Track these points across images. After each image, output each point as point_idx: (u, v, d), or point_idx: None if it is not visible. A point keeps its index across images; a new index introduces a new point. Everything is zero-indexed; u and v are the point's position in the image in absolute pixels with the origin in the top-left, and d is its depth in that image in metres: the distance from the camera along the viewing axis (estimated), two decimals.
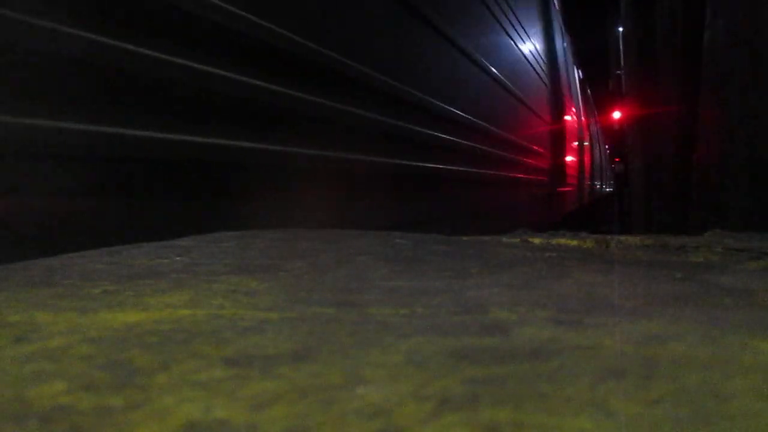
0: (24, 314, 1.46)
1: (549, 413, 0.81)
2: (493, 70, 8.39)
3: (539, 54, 12.00)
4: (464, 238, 3.20)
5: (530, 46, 11.05)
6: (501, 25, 8.96)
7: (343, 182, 4.32)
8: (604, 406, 0.83)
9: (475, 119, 7.02)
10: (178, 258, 2.30)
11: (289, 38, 3.56)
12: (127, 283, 1.83)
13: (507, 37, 9.27)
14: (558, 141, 13.77)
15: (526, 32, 10.44)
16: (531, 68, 11.09)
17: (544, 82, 12.24)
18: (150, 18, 2.47)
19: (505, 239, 3.06)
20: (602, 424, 0.78)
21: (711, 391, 0.87)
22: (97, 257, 2.41)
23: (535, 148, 11.24)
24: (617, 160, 16.57)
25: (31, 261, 2.45)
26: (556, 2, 13.97)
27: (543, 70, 12.35)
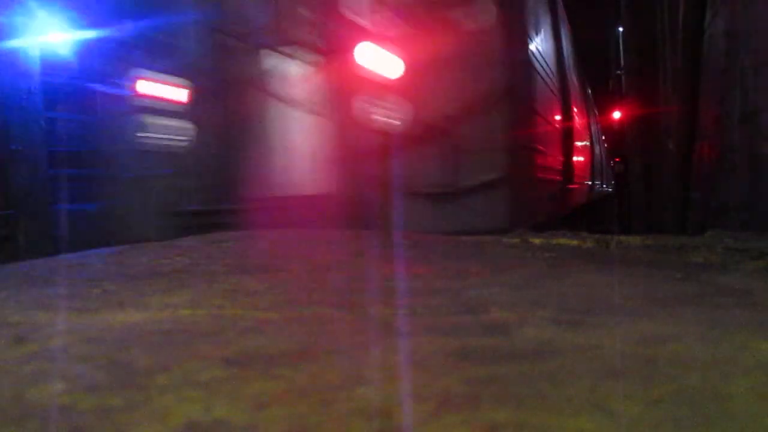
0: (24, 314, 1.46)
1: (549, 413, 0.81)
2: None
3: (582, 85, 14.56)
4: (464, 238, 3.20)
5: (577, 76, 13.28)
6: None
7: None
8: (604, 406, 0.83)
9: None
10: (178, 258, 2.30)
11: None
12: (128, 283, 1.83)
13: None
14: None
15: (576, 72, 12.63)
16: (587, 108, 14.08)
17: (587, 114, 14.92)
18: None
19: (505, 239, 3.05)
20: (602, 424, 0.78)
21: (711, 391, 0.87)
22: (97, 257, 2.41)
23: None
24: (617, 160, 16.77)
25: (32, 261, 2.45)
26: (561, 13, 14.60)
27: (586, 105, 15.16)
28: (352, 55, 3.21)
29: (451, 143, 3.39)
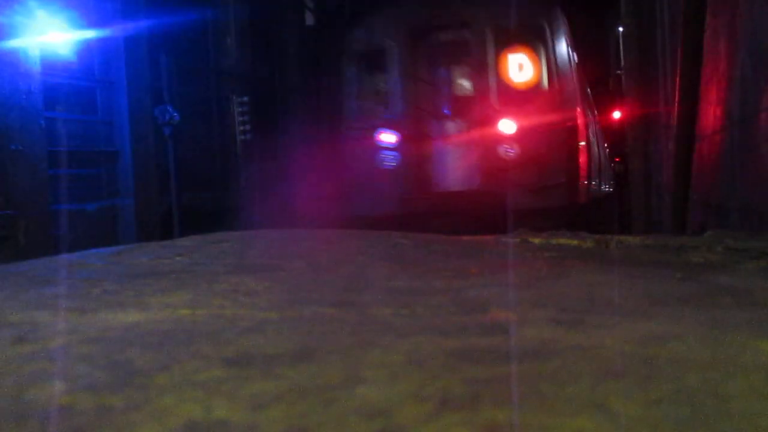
0: (24, 314, 1.46)
1: (549, 413, 0.81)
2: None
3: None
4: (464, 238, 3.20)
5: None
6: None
7: None
8: (604, 407, 0.83)
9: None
10: (178, 258, 2.30)
11: None
12: (128, 283, 1.83)
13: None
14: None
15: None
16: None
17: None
18: None
19: (505, 239, 3.06)
20: (602, 424, 0.78)
21: (711, 391, 0.87)
22: (97, 257, 2.41)
23: None
24: (617, 160, 16.49)
25: (32, 261, 2.45)
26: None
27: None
28: (496, 125, 7.29)
29: (538, 164, 7.16)
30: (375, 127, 7.52)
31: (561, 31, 7.78)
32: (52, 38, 5.28)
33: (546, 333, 1.21)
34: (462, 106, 7.64)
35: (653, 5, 7.89)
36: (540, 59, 7.45)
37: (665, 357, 1.04)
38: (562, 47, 7.76)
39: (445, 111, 7.68)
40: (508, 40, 7.42)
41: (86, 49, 5.85)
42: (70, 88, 5.83)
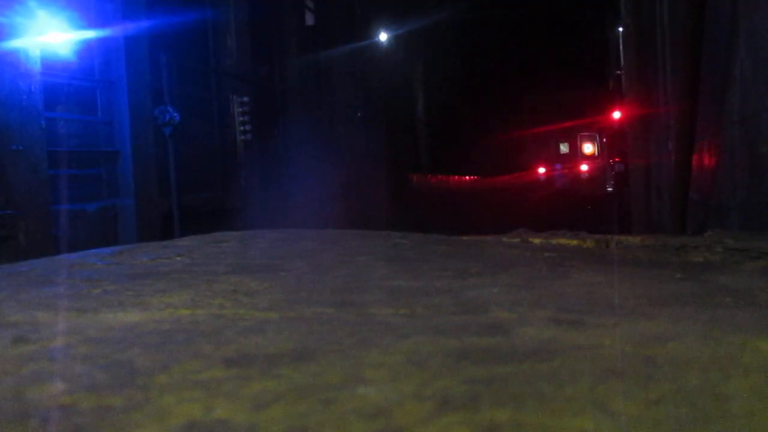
0: (24, 314, 1.46)
1: (549, 413, 0.81)
2: None
3: None
4: (464, 237, 3.20)
5: None
6: None
7: None
8: (604, 406, 0.83)
9: None
10: (178, 258, 2.31)
11: None
12: (128, 283, 1.83)
13: None
14: None
15: None
16: None
17: None
18: None
19: (505, 239, 3.06)
20: (602, 424, 0.78)
21: (711, 391, 0.87)
22: (97, 257, 2.41)
23: None
24: (617, 160, 16.57)
25: (32, 261, 2.45)
26: None
27: None
28: (580, 167, 28.46)
29: (594, 180, 25.92)
30: (537, 166, 29.27)
31: (602, 135, 23.91)
32: (53, 38, 5.28)
33: (546, 333, 1.21)
34: (567, 159, 29.09)
35: (653, 5, 7.88)
36: (595, 145, 28.45)
37: (665, 357, 1.04)
38: (602, 141, 24.80)
39: (558, 163, 28.73)
40: (585, 136, 29.03)
41: (86, 49, 5.85)
42: (71, 88, 5.83)
